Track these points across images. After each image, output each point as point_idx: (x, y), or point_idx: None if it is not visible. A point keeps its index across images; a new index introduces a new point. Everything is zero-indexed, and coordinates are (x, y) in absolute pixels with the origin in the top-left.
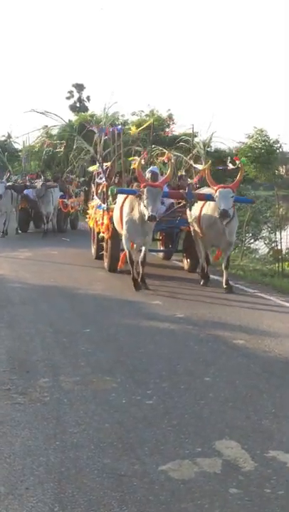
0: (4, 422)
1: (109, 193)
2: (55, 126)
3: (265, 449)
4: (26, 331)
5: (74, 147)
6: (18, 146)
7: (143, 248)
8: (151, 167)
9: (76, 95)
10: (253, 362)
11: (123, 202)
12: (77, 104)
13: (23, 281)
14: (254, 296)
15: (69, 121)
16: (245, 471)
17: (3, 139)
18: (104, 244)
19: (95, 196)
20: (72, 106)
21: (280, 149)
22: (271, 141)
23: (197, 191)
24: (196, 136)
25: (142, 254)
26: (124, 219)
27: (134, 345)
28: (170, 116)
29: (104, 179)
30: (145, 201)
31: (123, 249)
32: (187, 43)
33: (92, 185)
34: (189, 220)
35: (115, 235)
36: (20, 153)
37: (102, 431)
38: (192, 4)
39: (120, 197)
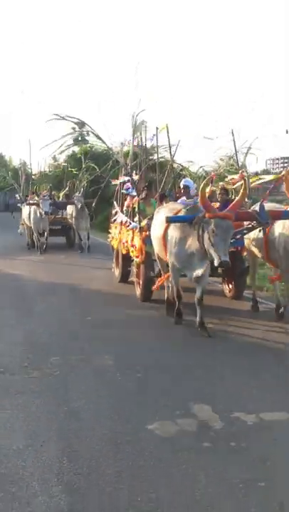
0: (23, 392)
1: (137, 209)
2: (78, 130)
3: (231, 412)
4: (40, 319)
5: (83, 166)
6: (33, 171)
7: (198, 288)
8: (184, 179)
9: (78, 131)
10: (220, 342)
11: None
12: (79, 138)
13: (37, 279)
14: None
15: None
16: (215, 429)
17: (18, 166)
18: (134, 268)
19: (119, 213)
20: (75, 139)
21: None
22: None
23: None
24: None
25: (199, 291)
26: (173, 248)
27: (126, 330)
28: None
29: (134, 193)
30: (212, 239)
31: (158, 275)
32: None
33: (115, 202)
34: (246, 244)
35: (149, 259)
36: (33, 176)
37: (101, 398)
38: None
39: (162, 215)
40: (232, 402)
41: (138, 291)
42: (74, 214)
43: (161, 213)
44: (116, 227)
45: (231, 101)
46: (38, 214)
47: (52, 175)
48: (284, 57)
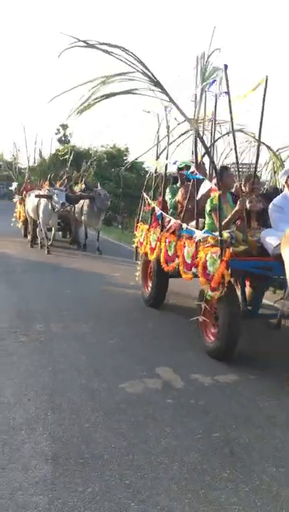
0: (13, 354)
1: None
2: (126, 74)
3: (190, 373)
4: (27, 291)
5: (93, 154)
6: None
7: None
8: None
9: (62, 132)
10: (178, 313)
11: None
12: (63, 138)
13: (25, 258)
14: None
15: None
16: (177, 388)
17: (10, 159)
18: (202, 304)
19: (161, 212)
20: (59, 139)
21: None
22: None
23: None
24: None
25: None
26: None
27: (101, 302)
28: (126, 149)
29: (210, 184)
30: None
31: (246, 316)
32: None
33: (144, 194)
34: None
35: (234, 294)
36: (23, 171)
37: (80, 360)
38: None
39: None
40: (192, 366)
41: (209, 341)
42: (85, 209)
43: None
44: (149, 231)
45: None
46: (50, 207)
47: (39, 169)
48: None
